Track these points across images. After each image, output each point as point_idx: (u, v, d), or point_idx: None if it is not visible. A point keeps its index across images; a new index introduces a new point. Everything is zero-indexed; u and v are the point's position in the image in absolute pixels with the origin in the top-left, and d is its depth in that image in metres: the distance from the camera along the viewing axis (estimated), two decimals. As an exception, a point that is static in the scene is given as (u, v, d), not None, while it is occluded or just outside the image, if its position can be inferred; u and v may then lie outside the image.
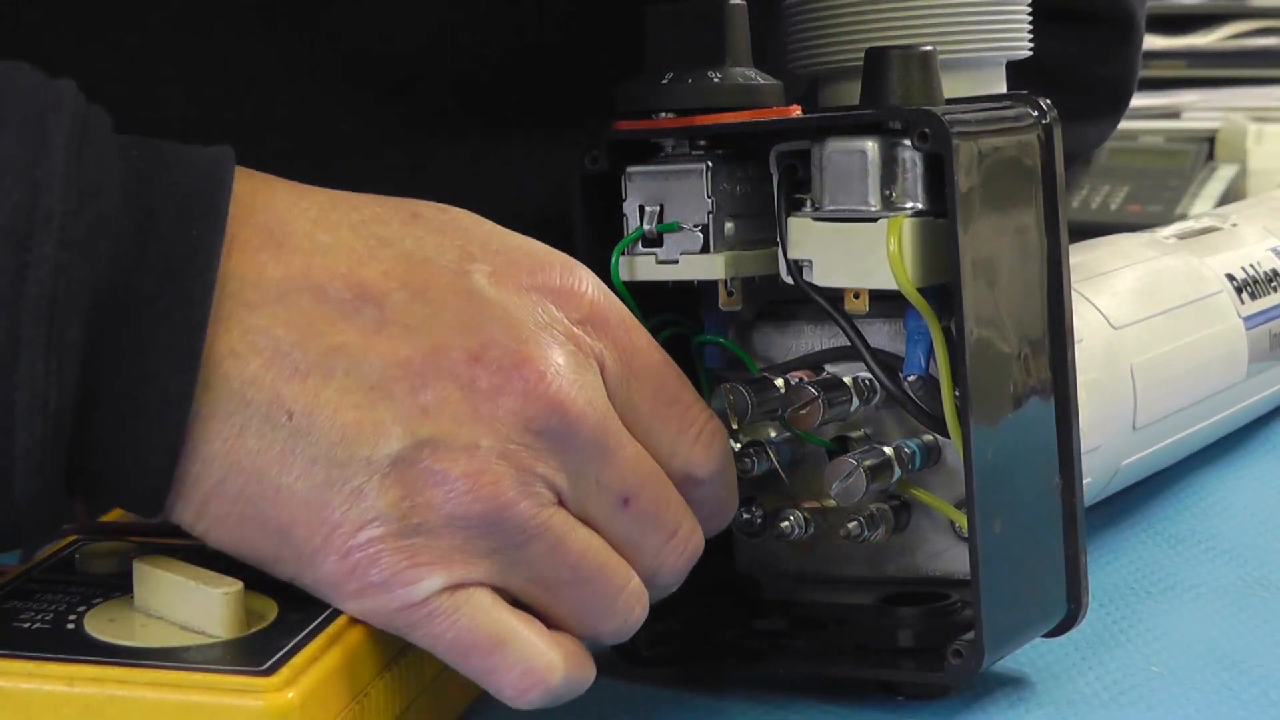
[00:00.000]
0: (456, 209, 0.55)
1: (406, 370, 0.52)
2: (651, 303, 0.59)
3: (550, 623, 0.54)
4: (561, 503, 0.53)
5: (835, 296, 0.57)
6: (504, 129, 0.83)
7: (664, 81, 0.57)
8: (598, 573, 0.54)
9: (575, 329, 0.54)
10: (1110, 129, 1.04)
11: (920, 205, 0.55)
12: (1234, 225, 0.86)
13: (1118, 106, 1.02)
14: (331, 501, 0.51)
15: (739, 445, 0.59)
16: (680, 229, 0.58)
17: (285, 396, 0.51)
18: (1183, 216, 0.98)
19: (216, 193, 0.52)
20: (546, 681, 0.52)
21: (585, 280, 0.55)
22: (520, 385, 0.52)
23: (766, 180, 0.58)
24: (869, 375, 0.58)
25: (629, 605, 0.55)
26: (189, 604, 0.50)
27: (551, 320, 0.53)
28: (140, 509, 0.52)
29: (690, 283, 0.59)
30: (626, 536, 0.54)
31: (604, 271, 0.58)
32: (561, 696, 0.53)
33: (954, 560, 0.59)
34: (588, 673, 0.54)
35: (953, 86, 0.57)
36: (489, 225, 0.55)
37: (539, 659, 0.52)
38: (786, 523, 0.59)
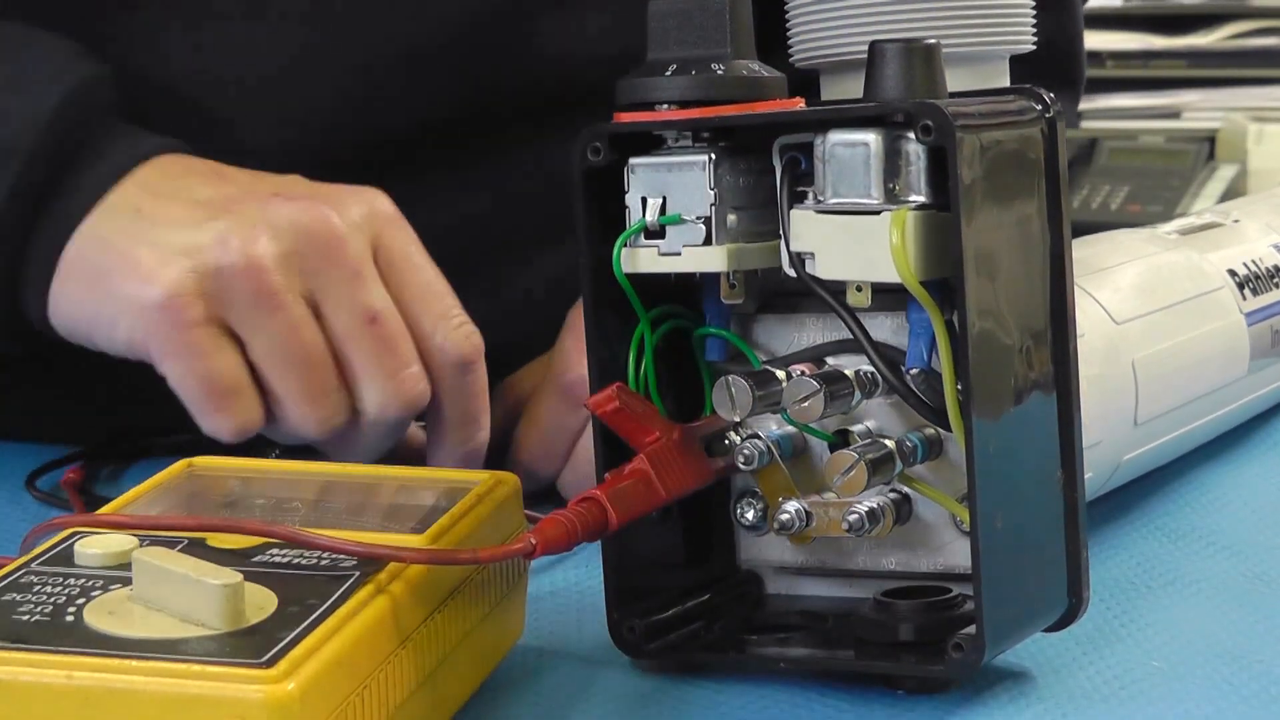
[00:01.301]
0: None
1: (227, 198, 0.70)
2: (653, 295, 0.59)
3: (267, 400, 0.69)
4: (314, 309, 0.68)
5: (838, 289, 0.56)
6: (502, 126, 0.83)
7: (666, 74, 0.57)
8: (316, 366, 0.69)
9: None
10: (1069, 107, 0.99)
11: (923, 198, 0.55)
12: (1236, 221, 0.86)
13: (1068, 80, 0.96)
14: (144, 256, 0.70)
15: (741, 438, 0.59)
16: (682, 221, 0.58)
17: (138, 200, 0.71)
18: (1183, 216, 0.98)
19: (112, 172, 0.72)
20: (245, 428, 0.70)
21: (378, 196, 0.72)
22: (303, 202, 0.69)
23: (769, 173, 0.57)
24: (871, 368, 0.57)
25: (333, 409, 0.69)
26: (188, 596, 0.50)
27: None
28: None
29: (692, 275, 0.59)
30: (363, 357, 0.69)
31: (606, 264, 0.58)
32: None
33: (955, 554, 0.59)
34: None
35: (956, 80, 0.57)
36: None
37: (253, 412, 0.69)
38: (787, 515, 0.59)
